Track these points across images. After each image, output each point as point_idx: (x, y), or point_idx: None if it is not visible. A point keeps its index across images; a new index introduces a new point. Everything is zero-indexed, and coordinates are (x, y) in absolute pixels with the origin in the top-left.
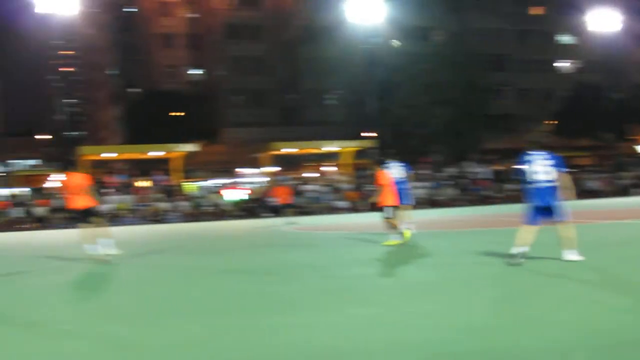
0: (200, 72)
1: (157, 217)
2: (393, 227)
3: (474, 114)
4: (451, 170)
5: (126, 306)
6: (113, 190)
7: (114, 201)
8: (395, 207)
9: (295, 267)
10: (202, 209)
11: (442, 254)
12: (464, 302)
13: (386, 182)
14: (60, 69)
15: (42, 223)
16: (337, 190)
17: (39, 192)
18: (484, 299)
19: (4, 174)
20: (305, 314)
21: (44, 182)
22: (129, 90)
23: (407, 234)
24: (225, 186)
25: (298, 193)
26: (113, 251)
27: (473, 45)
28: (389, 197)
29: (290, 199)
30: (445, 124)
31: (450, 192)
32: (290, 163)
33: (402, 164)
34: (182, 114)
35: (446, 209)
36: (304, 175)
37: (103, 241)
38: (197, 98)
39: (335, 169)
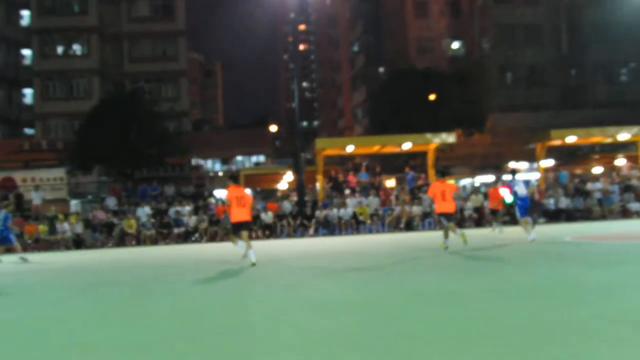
0: (460, 45)
1: (406, 224)
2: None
3: None
4: None
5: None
6: (353, 191)
7: (353, 204)
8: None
9: (577, 287)
10: (461, 213)
11: None
12: None
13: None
14: (294, 48)
15: (269, 231)
16: (630, 188)
17: (268, 194)
18: None
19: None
20: (586, 347)
21: (275, 183)
22: (374, 70)
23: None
24: (493, 186)
25: (581, 193)
26: (253, 259)
27: None
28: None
29: (501, 204)
30: None
31: None
32: (572, 155)
33: (523, 180)
34: (437, 97)
35: None
36: (590, 170)
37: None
38: (457, 77)
39: (628, 162)
